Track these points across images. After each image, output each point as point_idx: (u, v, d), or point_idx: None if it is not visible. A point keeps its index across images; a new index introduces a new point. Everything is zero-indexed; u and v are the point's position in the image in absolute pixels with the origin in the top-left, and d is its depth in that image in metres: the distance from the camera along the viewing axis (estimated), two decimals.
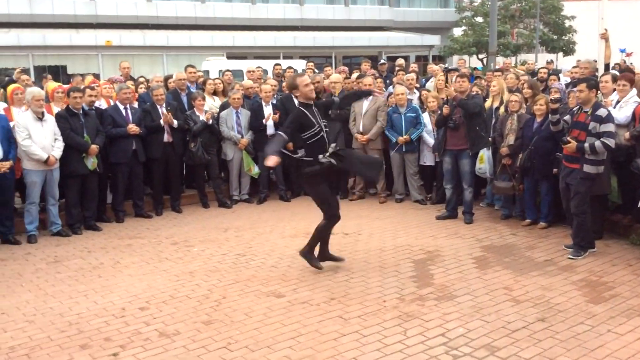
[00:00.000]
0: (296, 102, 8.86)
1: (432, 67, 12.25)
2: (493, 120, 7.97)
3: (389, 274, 5.73)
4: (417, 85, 9.86)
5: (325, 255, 5.98)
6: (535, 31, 34.48)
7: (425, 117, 8.58)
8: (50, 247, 6.88)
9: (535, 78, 9.48)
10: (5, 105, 7.65)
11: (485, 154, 7.58)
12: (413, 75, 9.72)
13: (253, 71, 10.79)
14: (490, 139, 7.66)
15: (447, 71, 9.23)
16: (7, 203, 7.03)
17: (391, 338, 4.35)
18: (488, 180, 8.07)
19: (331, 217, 5.82)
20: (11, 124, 7.04)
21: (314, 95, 5.89)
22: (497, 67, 13.83)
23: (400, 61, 12.05)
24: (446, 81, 8.15)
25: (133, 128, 7.81)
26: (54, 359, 4.15)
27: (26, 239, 7.06)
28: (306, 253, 5.86)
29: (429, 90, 9.10)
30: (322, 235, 5.88)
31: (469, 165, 7.50)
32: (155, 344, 4.35)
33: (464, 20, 36.92)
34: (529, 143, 7.11)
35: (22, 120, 7.02)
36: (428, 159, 8.71)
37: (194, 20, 32.54)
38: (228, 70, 10.89)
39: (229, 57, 27.17)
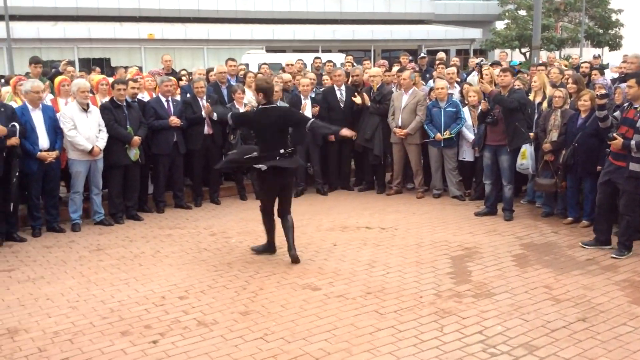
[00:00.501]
0: (338, 94, 8.94)
1: (473, 60, 12.08)
2: (536, 116, 7.82)
3: (426, 269, 5.69)
4: (458, 80, 9.73)
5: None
6: (581, 25, 33.56)
7: (466, 112, 8.46)
8: (93, 236, 7.06)
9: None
10: (52, 96, 7.86)
11: (527, 149, 7.44)
12: (454, 69, 9.59)
13: (292, 64, 10.82)
14: (532, 134, 7.51)
15: (480, 66, 9.06)
16: (53, 192, 7.24)
17: (427, 334, 4.32)
18: (529, 176, 7.92)
19: (263, 212, 6.14)
20: (58, 114, 7.23)
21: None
22: (540, 61, 13.53)
23: (441, 55, 11.90)
24: (481, 76, 8.03)
25: (174, 120, 7.94)
26: (96, 345, 4.26)
27: (70, 227, 7.27)
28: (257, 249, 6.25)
29: (470, 85, 8.96)
30: (270, 226, 6.18)
31: (508, 161, 7.38)
32: (194, 333, 4.42)
33: (506, 14, 36.18)
34: (572, 139, 6.94)
35: (68, 111, 7.21)
36: (467, 155, 8.60)
37: (234, 14, 32.79)
38: (265, 64, 10.94)
39: (268, 51, 27.30)
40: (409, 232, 7.00)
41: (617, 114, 6.26)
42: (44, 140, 6.93)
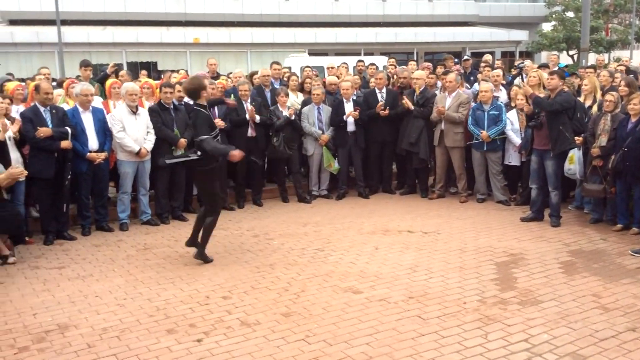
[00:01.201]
0: (379, 97, 8.92)
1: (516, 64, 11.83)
2: (586, 119, 7.63)
3: (470, 275, 5.62)
4: (504, 82, 9.58)
5: (194, 242, 6.21)
6: (631, 26, 32.56)
7: (513, 115, 8.31)
8: (140, 235, 7.22)
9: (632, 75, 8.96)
10: (101, 99, 8.09)
11: (575, 154, 7.27)
12: (499, 72, 9.44)
13: (334, 67, 10.84)
14: (579, 139, 7.33)
15: (520, 69, 8.87)
16: (102, 192, 7.45)
17: (471, 341, 4.27)
18: (578, 182, 7.74)
19: (215, 212, 6.18)
20: (108, 116, 7.44)
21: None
22: (589, 64, 13.19)
23: (488, 57, 11.72)
24: (521, 78, 7.88)
25: (219, 122, 8.04)
26: (143, 342, 4.36)
27: (118, 227, 7.46)
28: (200, 254, 6.15)
29: (519, 87, 8.79)
30: (211, 231, 6.19)
31: (554, 166, 7.21)
32: (237, 332, 4.48)
33: (553, 15, 35.41)
34: (622, 144, 6.75)
35: (117, 113, 7.40)
36: (513, 159, 8.45)
37: (277, 18, 33.08)
38: (308, 67, 10.99)
39: (310, 54, 27.42)
40: (452, 236, 6.92)
41: None
42: (93, 142, 7.14)
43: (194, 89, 5.96)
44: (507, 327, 4.48)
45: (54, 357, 4.15)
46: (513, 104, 8.50)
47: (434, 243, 6.68)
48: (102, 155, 7.17)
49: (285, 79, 9.93)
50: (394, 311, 4.82)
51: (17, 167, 6.28)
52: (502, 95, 9.01)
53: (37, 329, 4.60)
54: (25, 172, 6.27)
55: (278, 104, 8.68)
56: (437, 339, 4.30)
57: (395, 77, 10.06)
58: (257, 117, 8.38)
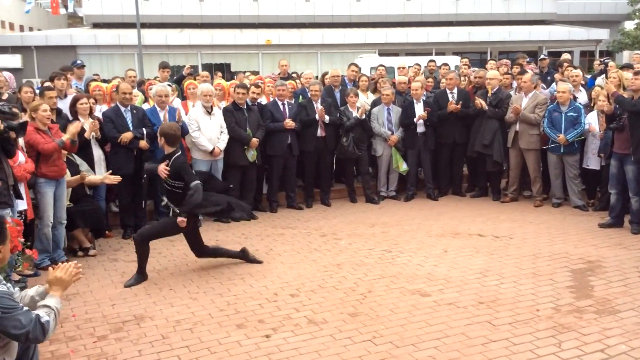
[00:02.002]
0: (450, 98, 8.77)
1: (596, 63, 11.33)
2: None
3: (544, 282, 5.44)
4: (583, 82, 9.21)
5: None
6: None
7: (593, 117, 7.97)
8: (212, 232, 7.43)
9: None
10: (180, 100, 8.39)
11: None
12: (579, 72, 9.07)
13: (405, 67, 10.75)
14: None
15: (606, 64, 8.44)
16: None
17: (544, 349, 4.13)
18: None
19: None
20: (185, 116, 7.69)
21: None
22: None
23: (566, 56, 11.30)
24: (605, 71, 7.52)
25: (289, 123, 8.17)
26: (214, 336, 4.49)
27: None
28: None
29: (601, 87, 8.41)
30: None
31: (635, 171, 6.85)
32: (304, 330, 4.53)
33: (637, 13, 33.67)
34: None
35: (193, 113, 7.65)
36: (592, 162, 8.10)
37: (348, 19, 33.18)
38: (382, 65, 10.95)
39: (380, 54, 27.33)
40: (525, 241, 6.72)
41: None
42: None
43: (173, 135, 5.70)
44: (582, 336, 4.31)
45: (130, 347, 4.33)
46: (593, 104, 8.15)
47: (506, 248, 6.51)
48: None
49: (356, 79, 9.93)
50: (463, 316, 4.73)
51: (110, 173, 6.60)
52: (582, 97, 8.66)
53: (115, 319, 4.83)
54: (119, 178, 6.57)
55: (348, 104, 8.70)
56: (508, 346, 4.19)
57: (468, 77, 9.87)
58: (327, 117, 8.44)
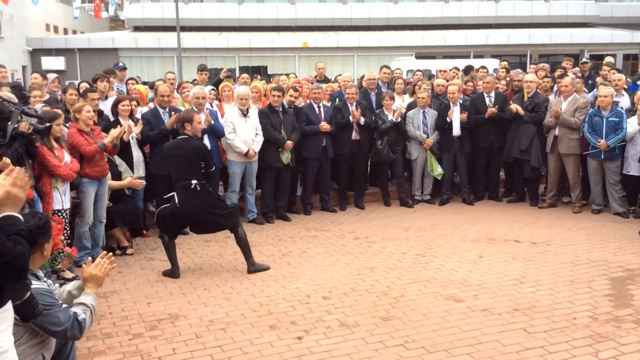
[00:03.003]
0: (487, 101, 8.66)
1: None
2: None
3: (581, 289, 5.32)
4: (625, 87, 8.98)
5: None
6: None
7: (634, 121, 7.77)
8: (247, 233, 7.47)
9: None
10: (216, 102, 8.51)
11: None
12: (622, 76, 8.85)
13: (445, 71, 10.67)
14: None
15: None
16: (213, 189, 7.79)
17: (581, 358, 4.05)
18: None
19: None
20: (221, 119, 7.79)
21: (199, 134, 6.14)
22: None
23: (609, 59, 11.04)
24: None
25: (325, 126, 8.19)
26: (246, 336, 4.53)
27: None
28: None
29: None
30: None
31: None
32: (336, 333, 4.54)
33: None
34: None
35: (229, 115, 7.74)
36: (633, 168, 7.90)
37: (385, 21, 33.07)
38: (419, 70, 10.90)
39: (417, 57, 27.16)
40: (563, 248, 6.59)
41: None
42: (206, 141, 7.49)
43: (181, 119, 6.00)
44: (620, 346, 4.21)
45: (165, 345, 4.41)
46: (635, 109, 7.94)
47: (543, 254, 6.39)
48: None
49: (392, 82, 9.89)
50: (497, 322, 4.67)
51: (135, 178, 6.75)
52: (624, 101, 8.45)
53: (150, 317, 4.92)
54: (144, 183, 6.80)
55: (383, 107, 8.68)
56: (543, 354, 4.11)
57: (506, 80, 9.72)
58: (362, 119, 8.43)
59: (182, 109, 7.96)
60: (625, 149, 7.92)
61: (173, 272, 5.91)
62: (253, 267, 6.00)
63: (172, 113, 7.26)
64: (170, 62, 28.04)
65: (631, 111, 8.10)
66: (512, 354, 4.14)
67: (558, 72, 9.63)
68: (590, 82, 10.05)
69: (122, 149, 6.85)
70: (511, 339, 4.37)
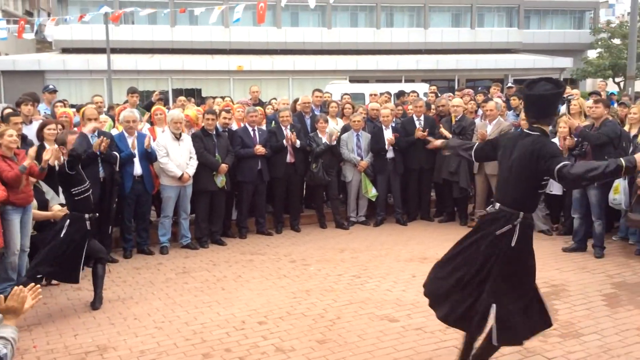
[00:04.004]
0: (417, 125, 8.91)
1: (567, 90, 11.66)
2: (631, 149, 7.44)
3: None
4: None
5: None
6: None
7: (555, 143, 8.16)
8: (180, 259, 7.35)
9: None
10: (149, 125, 8.35)
11: (620, 184, 7.09)
12: None
13: (376, 94, 10.90)
14: None
15: (568, 101, 8.70)
16: (144, 216, 7.63)
17: None
18: (622, 212, 7.52)
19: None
20: (153, 143, 7.64)
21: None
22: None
23: None
24: (569, 110, 7.73)
25: (260, 149, 8.19)
26: None
27: (159, 250, 7.61)
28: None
29: (564, 114, 8.64)
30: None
31: (597, 196, 7.04)
32: (272, 358, 4.50)
33: (599, 42, 34.89)
34: None
35: (161, 139, 7.61)
36: (555, 187, 8.27)
37: (319, 45, 33.61)
38: (346, 94, 11.09)
39: (351, 81, 27.68)
40: None
41: None
42: (137, 166, 7.34)
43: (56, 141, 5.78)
44: None
45: None
46: (556, 131, 8.36)
47: None
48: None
49: (326, 105, 10.02)
50: (430, 341, 4.76)
51: (60, 208, 6.41)
52: None
53: (77, 350, 4.72)
54: (66, 211, 6.37)
55: (317, 130, 8.77)
56: None
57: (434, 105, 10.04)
58: (298, 142, 8.49)
59: (114, 131, 7.79)
60: None
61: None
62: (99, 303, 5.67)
63: (102, 137, 7.06)
64: (100, 84, 27.40)
65: (553, 132, 8.51)
66: None
67: (479, 97, 10.03)
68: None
69: (49, 174, 6.59)
70: (444, 356, 4.46)
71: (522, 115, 8.36)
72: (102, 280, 5.82)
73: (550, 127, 8.58)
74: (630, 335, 4.79)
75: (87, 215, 5.57)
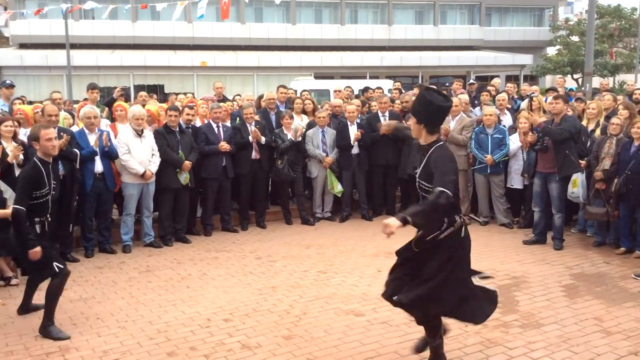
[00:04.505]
0: (382, 120, 8.97)
1: (526, 88, 11.89)
2: (589, 143, 7.65)
3: None
4: (509, 106, 9.63)
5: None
6: (636, 50, 32.74)
7: (516, 138, 8.34)
8: (143, 257, 7.24)
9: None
10: (109, 122, 8.19)
11: (578, 177, 7.28)
12: (504, 96, 9.49)
13: (341, 90, 10.93)
14: (583, 162, 7.35)
15: (530, 98, 8.88)
16: (106, 214, 7.50)
17: None
18: (581, 205, 7.73)
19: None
20: (115, 139, 7.51)
21: (55, 152, 5.11)
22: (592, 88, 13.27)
23: (497, 81, 11.76)
24: (531, 106, 7.89)
25: (224, 146, 8.13)
26: None
27: (121, 249, 7.48)
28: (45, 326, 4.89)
29: (524, 109, 8.81)
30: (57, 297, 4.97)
31: (558, 189, 7.22)
32: (238, 356, 4.47)
33: (558, 39, 35.70)
34: (625, 167, 6.76)
35: (123, 136, 7.48)
36: (516, 182, 8.46)
37: (284, 42, 33.51)
38: (305, 91, 11.07)
39: (316, 77, 27.71)
40: None
41: None
42: (98, 163, 7.20)
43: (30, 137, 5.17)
44: (508, 350, 4.46)
45: None
46: (516, 126, 8.53)
47: None
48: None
49: (291, 102, 10.00)
50: (395, 334, 4.80)
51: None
52: (507, 119, 9.05)
53: (38, 351, 4.61)
54: (8, 212, 6.09)
55: (282, 127, 8.75)
56: None
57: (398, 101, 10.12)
58: (263, 139, 8.45)
59: (75, 128, 7.62)
60: (508, 163, 8.47)
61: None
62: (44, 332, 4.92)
63: (61, 134, 6.91)
64: (59, 80, 26.78)
65: (513, 128, 8.69)
66: None
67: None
68: (476, 102, 10.68)
69: (5, 173, 6.42)
70: (408, 349, 4.49)
71: (486, 110, 8.53)
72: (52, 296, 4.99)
73: (512, 123, 8.83)
74: (588, 324, 4.92)
75: (37, 219, 5.05)
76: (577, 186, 7.28)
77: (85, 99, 9.98)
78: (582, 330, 4.81)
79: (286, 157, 8.62)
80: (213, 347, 4.62)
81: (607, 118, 7.68)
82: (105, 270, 6.74)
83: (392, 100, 9.85)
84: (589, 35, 14.42)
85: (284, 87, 10.37)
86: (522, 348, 4.49)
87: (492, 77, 12.42)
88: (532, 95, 9.79)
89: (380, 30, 35.48)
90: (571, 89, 13.89)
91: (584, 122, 8.03)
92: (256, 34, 33.19)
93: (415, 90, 10.62)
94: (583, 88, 14.23)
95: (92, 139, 7.20)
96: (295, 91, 11.92)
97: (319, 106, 9.73)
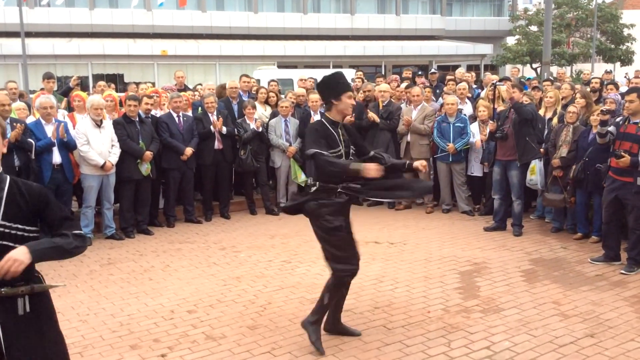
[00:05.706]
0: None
1: (490, 77, 12.06)
2: (546, 131, 7.83)
3: (434, 284, 5.69)
4: (469, 95, 9.76)
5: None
6: (592, 40, 33.58)
7: (475, 127, 8.48)
8: (104, 250, 7.12)
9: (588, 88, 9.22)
10: (66, 112, 7.99)
11: (536, 165, 7.44)
12: (465, 85, 9.62)
13: (305, 80, 10.90)
14: (542, 149, 7.53)
15: (495, 85, 9.04)
16: (65, 206, 7.31)
17: (435, 349, 4.32)
18: (539, 192, 7.92)
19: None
20: (73, 130, 7.34)
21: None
22: (550, 76, 13.54)
23: (461, 70, 11.89)
24: (494, 95, 8.01)
25: (188, 152, 8.01)
26: (105, 358, 4.30)
27: None
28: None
29: (482, 99, 8.96)
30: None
31: (518, 176, 7.38)
32: (202, 347, 4.45)
33: (517, 29, 36.31)
34: (583, 154, 6.94)
35: (81, 126, 7.32)
36: (476, 170, 8.61)
37: (246, 30, 33.17)
38: (273, 80, 11.03)
39: (279, 66, 27.56)
40: (417, 247, 7.00)
41: (612, 129, 6.24)
42: (56, 155, 7.03)
43: None
44: (469, 334, 4.56)
45: None
46: (476, 115, 8.67)
47: (400, 254, 6.74)
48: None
49: (254, 91, 9.93)
50: (359, 321, 4.85)
51: None
52: (467, 109, 9.18)
53: None
54: None
55: (245, 117, 8.69)
56: (401, 348, 4.34)
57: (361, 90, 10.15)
58: (224, 129, 8.37)
59: (31, 118, 7.41)
60: (469, 152, 8.61)
61: None
62: None
63: (15, 124, 6.71)
64: (14, 69, 25.94)
65: (473, 117, 8.82)
66: (373, 350, 4.32)
67: (405, 83, 10.23)
68: (438, 91, 10.80)
69: None
70: (372, 335, 4.56)
71: (447, 99, 8.64)
72: None
73: (471, 112, 8.96)
74: (547, 308, 5.05)
75: None
76: (535, 173, 7.44)
77: (42, 89, 9.71)
78: (541, 314, 4.94)
79: (249, 147, 8.57)
80: (177, 339, 4.59)
81: (565, 107, 7.86)
82: (65, 263, 6.59)
83: (356, 90, 9.87)
84: (547, 25, 14.72)
85: (247, 76, 10.28)
86: (483, 332, 4.59)
87: (454, 67, 12.56)
88: (499, 84, 9.95)
89: (343, 20, 35.44)
90: (529, 78, 14.18)
91: (542, 111, 8.20)
92: (218, 23, 32.75)
93: (380, 80, 10.68)
94: (536, 78, 14.50)
95: (49, 129, 7.02)
96: (259, 80, 11.84)
97: (282, 96, 9.69)
